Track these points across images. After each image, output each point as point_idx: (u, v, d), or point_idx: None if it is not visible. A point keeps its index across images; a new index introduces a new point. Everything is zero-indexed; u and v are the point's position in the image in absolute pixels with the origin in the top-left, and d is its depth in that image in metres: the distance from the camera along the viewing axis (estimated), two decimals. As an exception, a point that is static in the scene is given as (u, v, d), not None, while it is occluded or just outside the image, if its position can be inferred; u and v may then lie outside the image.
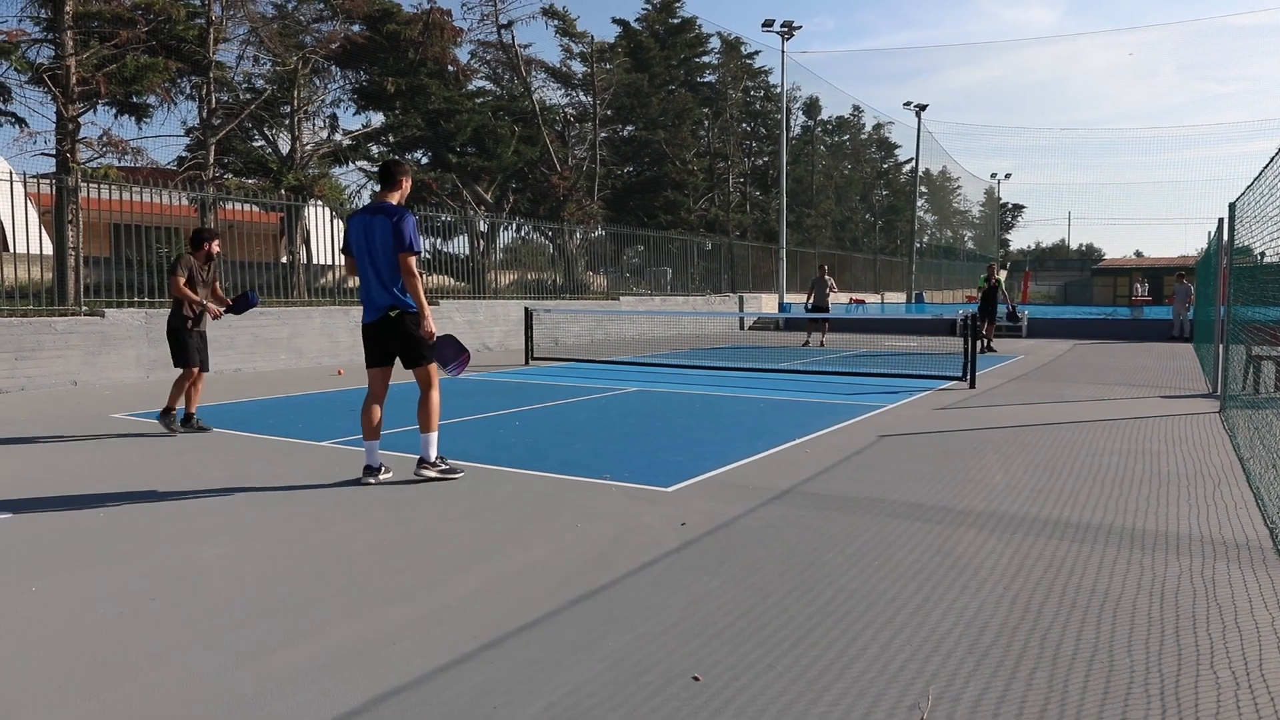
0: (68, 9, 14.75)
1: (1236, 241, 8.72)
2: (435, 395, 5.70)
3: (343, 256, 5.78)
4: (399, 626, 3.32)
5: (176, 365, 7.73)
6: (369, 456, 5.71)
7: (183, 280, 7.60)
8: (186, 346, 7.70)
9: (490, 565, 4.06)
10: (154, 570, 3.99)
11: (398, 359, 5.70)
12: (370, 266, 5.49)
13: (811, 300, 20.02)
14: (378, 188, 5.83)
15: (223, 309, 7.90)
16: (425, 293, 5.64)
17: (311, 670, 2.94)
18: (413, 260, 5.45)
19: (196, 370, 7.73)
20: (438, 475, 5.74)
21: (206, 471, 6.09)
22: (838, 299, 22.27)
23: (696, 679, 2.87)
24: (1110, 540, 4.44)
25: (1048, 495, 5.41)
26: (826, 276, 19.81)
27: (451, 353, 5.80)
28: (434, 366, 5.70)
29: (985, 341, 18.01)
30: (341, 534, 4.58)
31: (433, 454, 5.75)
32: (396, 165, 5.73)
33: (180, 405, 7.75)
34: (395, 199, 5.63)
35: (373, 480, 5.66)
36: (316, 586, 3.78)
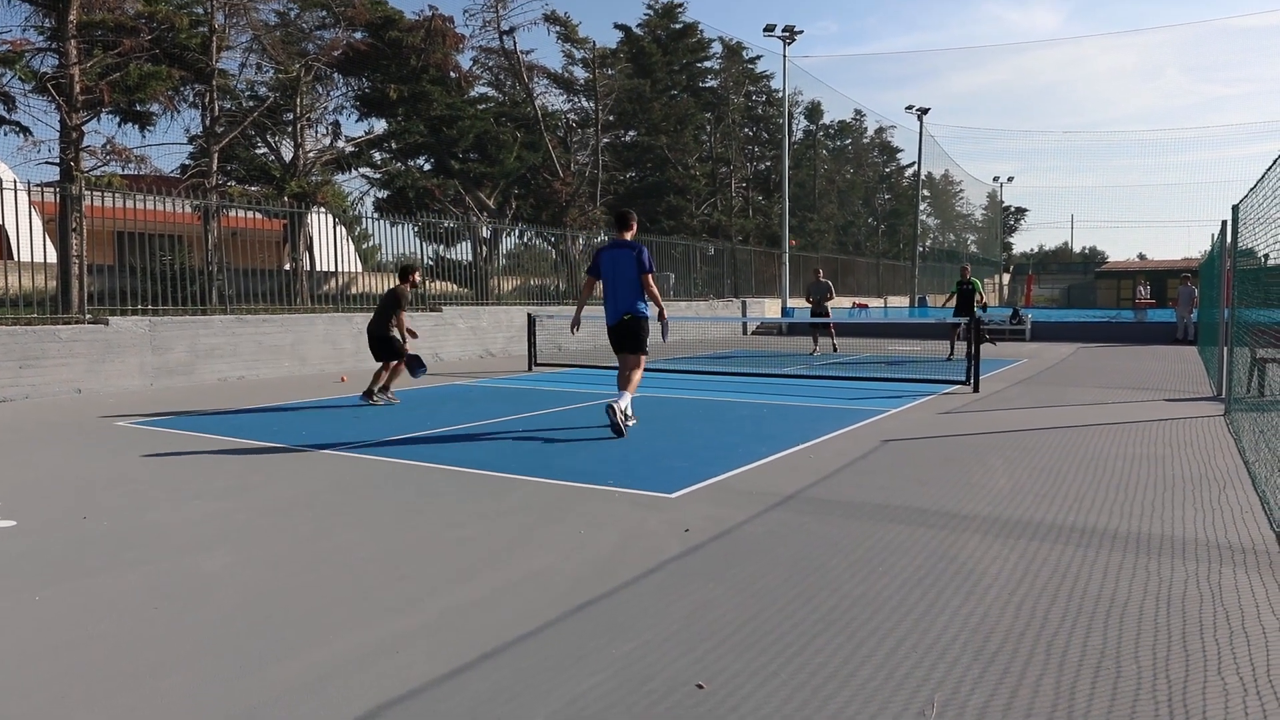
0: (71, 18, 14.80)
1: (1240, 244, 8.70)
2: (640, 372, 8.07)
3: (585, 276, 8.34)
4: (402, 634, 3.32)
5: (392, 359, 10.19)
6: (620, 399, 7.75)
7: (405, 314, 10.28)
8: (397, 344, 10.22)
9: (493, 573, 4.06)
10: (158, 579, 3.99)
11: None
12: (614, 286, 7.97)
13: (812, 306, 19.71)
14: (616, 230, 8.26)
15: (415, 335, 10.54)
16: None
17: (315, 679, 2.94)
18: (650, 277, 7.90)
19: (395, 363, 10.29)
20: (622, 418, 7.69)
21: (210, 479, 6.10)
22: (837, 303, 21.89)
23: (700, 687, 2.86)
24: (1116, 545, 4.42)
25: (1052, 500, 5.40)
26: (823, 279, 19.39)
27: (663, 332, 8.42)
28: (644, 356, 8.12)
29: (953, 346, 17.20)
30: (345, 542, 4.57)
31: (626, 405, 7.79)
32: (630, 213, 8.34)
33: (379, 384, 10.24)
34: (630, 236, 8.11)
35: (619, 416, 7.64)
36: (320, 594, 3.78)
